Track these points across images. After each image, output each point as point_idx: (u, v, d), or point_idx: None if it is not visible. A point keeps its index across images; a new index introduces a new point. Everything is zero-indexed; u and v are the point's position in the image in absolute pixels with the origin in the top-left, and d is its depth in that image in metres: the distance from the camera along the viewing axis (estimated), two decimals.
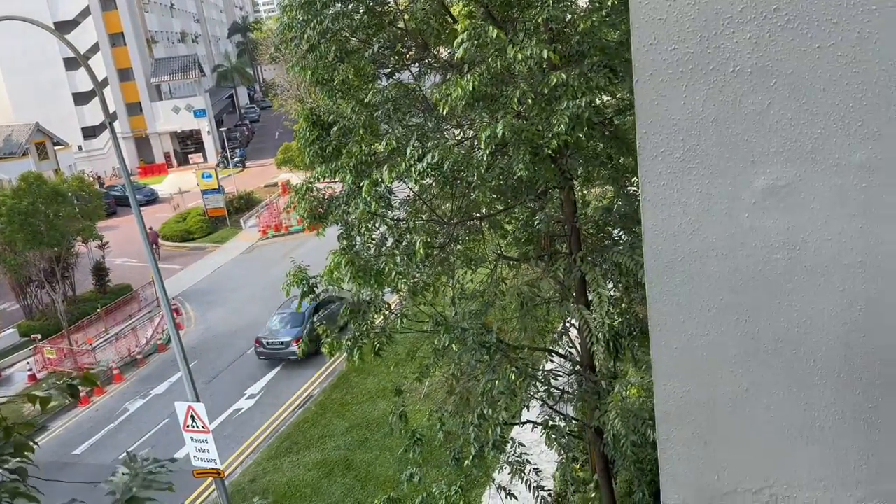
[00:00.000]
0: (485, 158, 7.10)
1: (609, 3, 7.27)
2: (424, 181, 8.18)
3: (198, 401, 12.78)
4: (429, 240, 7.27)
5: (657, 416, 2.21)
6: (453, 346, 8.30)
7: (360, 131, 7.57)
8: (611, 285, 8.69)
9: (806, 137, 1.82)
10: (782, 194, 1.87)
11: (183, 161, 56.39)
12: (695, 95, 1.86)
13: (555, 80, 6.60)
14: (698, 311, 2.04)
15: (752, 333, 2.00)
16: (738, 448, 2.12)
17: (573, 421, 10.45)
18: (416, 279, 7.78)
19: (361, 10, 8.10)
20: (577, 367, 10.11)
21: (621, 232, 9.23)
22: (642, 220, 2.05)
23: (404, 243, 7.96)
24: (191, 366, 13.56)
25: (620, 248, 8.31)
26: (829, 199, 1.85)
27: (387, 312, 8.42)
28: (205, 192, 38.51)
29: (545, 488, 9.51)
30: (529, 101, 6.91)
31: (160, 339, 25.81)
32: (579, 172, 8.87)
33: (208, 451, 12.66)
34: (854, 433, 2.06)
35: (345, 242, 7.85)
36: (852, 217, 1.86)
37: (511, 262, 10.11)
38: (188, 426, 12.61)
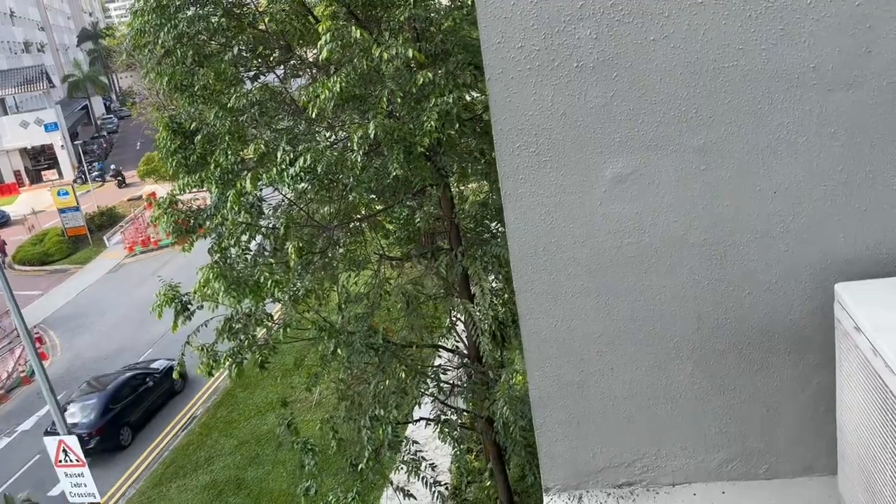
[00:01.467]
0: (359, 159, 7.04)
1: (469, 2, 7.40)
2: (299, 186, 8.01)
3: (69, 434, 11.94)
4: (302, 245, 7.12)
5: (532, 402, 2.27)
6: (340, 350, 8.20)
7: (226, 138, 7.30)
8: (492, 277, 8.88)
9: (647, 126, 1.93)
10: (629, 181, 1.97)
11: (36, 179, 52.33)
12: (543, 91, 1.93)
13: (422, 79, 6.64)
14: (562, 296, 2.12)
15: (612, 314, 2.10)
16: (608, 425, 2.23)
17: (465, 413, 10.61)
18: (296, 287, 7.61)
19: (219, 13, 7.80)
20: (465, 360, 10.27)
21: (498, 225, 9.44)
22: (505, 215, 2.10)
23: (282, 252, 7.76)
24: (59, 397, 12.64)
25: (498, 240, 8.50)
26: (672, 183, 1.97)
27: (269, 323, 8.20)
28: (62, 210, 35.97)
29: (441, 483, 9.59)
30: (398, 100, 6.92)
31: (23, 371, 23.85)
32: (454, 169, 8.99)
33: (85, 485, 11.90)
34: (712, 400, 2.20)
35: (216, 255, 7.55)
36: (695, 199, 1.99)
37: (394, 262, 10.11)
38: (61, 461, 11.79)
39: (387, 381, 8.54)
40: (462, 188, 10.63)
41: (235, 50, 8.01)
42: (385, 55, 6.35)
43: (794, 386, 2.11)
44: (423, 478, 9.08)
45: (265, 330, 8.16)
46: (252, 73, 8.83)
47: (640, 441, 2.23)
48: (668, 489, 2.24)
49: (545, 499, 2.26)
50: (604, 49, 1.86)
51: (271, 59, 8.66)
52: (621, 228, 2.02)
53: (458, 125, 7.41)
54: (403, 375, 8.56)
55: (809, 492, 2.16)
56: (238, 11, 8.49)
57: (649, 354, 2.14)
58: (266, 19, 8.20)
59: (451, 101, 6.74)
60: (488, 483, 12.00)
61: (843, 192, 1.92)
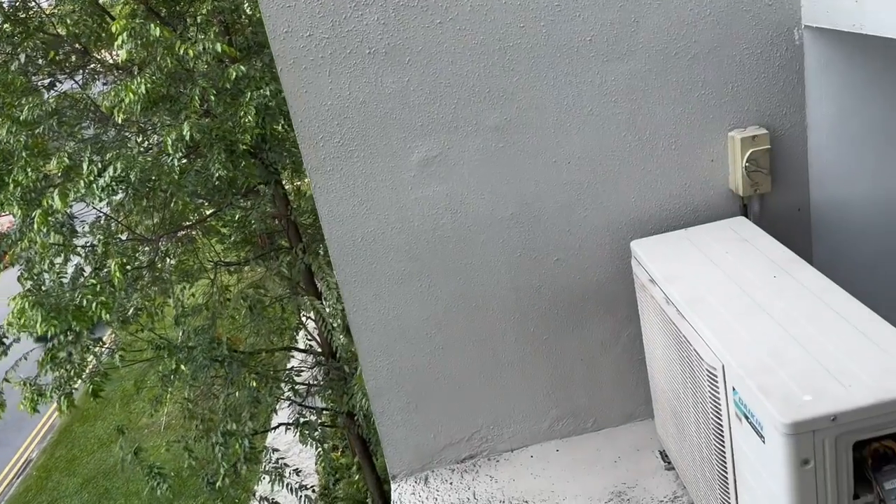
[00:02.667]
0: (177, 163, 6.67)
1: None
2: (114, 198, 7.47)
3: None
4: (125, 261, 6.66)
5: (369, 393, 2.27)
6: (183, 367, 7.78)
7: (23, 154, 6.64)
8: None
9: (446, 108, 1.96)
10: (436, 164, 2.00)
11: None
12: (339, 80, 1.90)
13: (234, 73, 6.39)
14: (386, 284, 2.12)
15: (437, 295, 2.13)
16: (445, 404, 2.26)
17: (324, 411, 10.46)
18: (124, 307, 7.11)
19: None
20: (320, 358, 10.10)
21: None
22: (317, 209, 2.06)
23: (105, 271, 7.20)
24: None
25: None
26: (475, 162, 2.02)
27: (98, 349, 7.60)
28: None
29: (308, 486, 9.42)
30: (213, 97, 6.61)
31: None
32: (286, 164, 8.76)
33: None
34: (538, 364, 2.30)
35: (29, 283, 6.89)
36: (498, 176, 2.06)
37: (232, 268, 9.72)
38: None
39: (237, 393, 8.24)
40: (297, 183, 10.40)
41: (23, 57, 7.29)
42: (191, 52, 6.04)
43: (607, 341, 2.25)
44: (287, 484, 8.87)
45: (94, 357, 7.57)
46: (47, 82, 8.08)
47: (476, 414, 2.29)
48: (507, 455, 2.32)
49: (392, 486, 2.27)
50: (393, 34, 1.87)
51: (67, 64, 7.97)
52: (434, 211, 2.05)
53: (282, 119, 7.22)
54: (255, 384, 8.29)
55: (634, 437, 2.33)
56: (23, 16, 7.73)
57: (476, 330, 2.20)
58: (55, 22, 7.54)
59: (268, 93, 6.55)
60: (357, 477, 11.96)
61: (630, 156, 2.06)
